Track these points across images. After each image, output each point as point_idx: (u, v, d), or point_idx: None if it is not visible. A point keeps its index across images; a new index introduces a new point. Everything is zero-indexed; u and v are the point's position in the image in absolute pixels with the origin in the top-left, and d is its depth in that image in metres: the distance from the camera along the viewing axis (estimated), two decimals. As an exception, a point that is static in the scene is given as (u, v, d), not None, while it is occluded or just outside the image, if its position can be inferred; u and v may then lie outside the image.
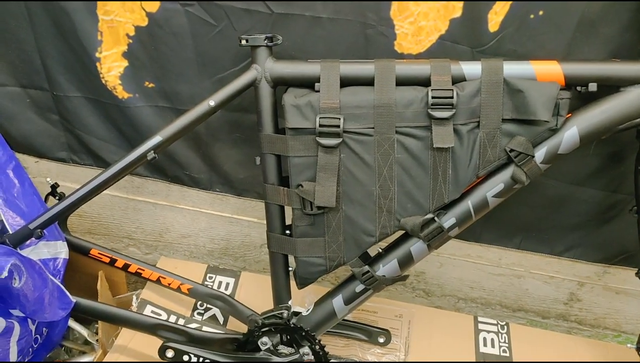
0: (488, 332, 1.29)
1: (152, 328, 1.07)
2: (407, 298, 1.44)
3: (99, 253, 1.19)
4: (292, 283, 1.08)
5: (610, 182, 1.18)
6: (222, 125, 1.20)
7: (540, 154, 0.95)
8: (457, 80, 0.94)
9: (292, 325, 1.05)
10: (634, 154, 1.05)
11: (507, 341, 1.28)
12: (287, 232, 1.05)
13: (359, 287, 1.05)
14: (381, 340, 1.23)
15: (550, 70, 0.93)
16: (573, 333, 1.43)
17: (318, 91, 0.95)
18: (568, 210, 1.23)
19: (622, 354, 1.27)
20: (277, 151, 1.00)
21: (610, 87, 0.94)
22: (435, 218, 0.98)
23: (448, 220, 0.99)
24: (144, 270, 1.19)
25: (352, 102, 0.94)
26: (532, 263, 1.33)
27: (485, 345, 1.26)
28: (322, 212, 0.99)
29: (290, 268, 1.08)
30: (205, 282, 1.33)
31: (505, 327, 1.31)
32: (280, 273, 1.07)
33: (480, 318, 1.32)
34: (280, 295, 1.08)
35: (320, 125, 0.94)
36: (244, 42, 0.96)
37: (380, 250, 1.05)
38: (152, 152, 0.98)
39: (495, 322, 1.32)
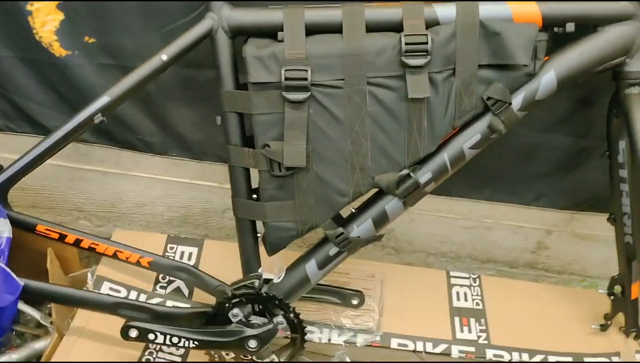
0: (461, 285, 1.27)
1: (111, 307, 0.99)
2: (376, 256, 1.40)
3: (46, 229, 1.08)
4: (262, 249, 1.01)
5: (580, 127, 1.15)
6: (174, 83, 1.10)
7: (517, 100, 0.90)
8: (431, 24, 0.88)
9: (264, 295, 0.99)
10: (606, 97, 1.01)
11: (479, 294, 1.27)
12: (254, 196, 0.98)
13: (333, 250, 0.99)
14: (355, 302, 1.19)
15: (528, 11, 0.88)
16: (540, 281, 1.44)
17: (282, 41, 0.87)
18: (537, 158, 1.20)
19: (589, 299, 1.27)
20: (239, 109, 0.91)
21: (587, 27, 0.90)
22: (411, 173, 0.93)
23: (424, 175, 0.94)
24: (98, 244, 1.10)
25: (320, 52, 0.87)
26: (502, 214, 1.31)
27: (458, 299, 1.25)
28: (291, 173, 0.92)
29: (258, 234, 1.01)
30: (167, 254, 1.24)
31: (477, 279, 1.30)
32: (248, 240, 1.00)
33: (452, 273, 1.30)
34: (250, 263, 1.02)
35: (286, 79, 0.86)
36: (194, -12, 0.87)
37: (354, 210, 0.99)
38: (100, 114, 0.87)
39: (467, 275, 1.30)
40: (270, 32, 0.88)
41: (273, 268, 1.08)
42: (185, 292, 1.19)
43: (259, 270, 1.02)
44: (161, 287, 1.19)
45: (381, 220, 0.98)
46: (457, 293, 1.26)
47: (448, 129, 0.91)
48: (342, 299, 1.19)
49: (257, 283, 0.99)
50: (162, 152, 1.21)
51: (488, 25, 0.87)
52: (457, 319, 1.21)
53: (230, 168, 0.96)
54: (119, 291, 1.16)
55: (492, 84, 0.89)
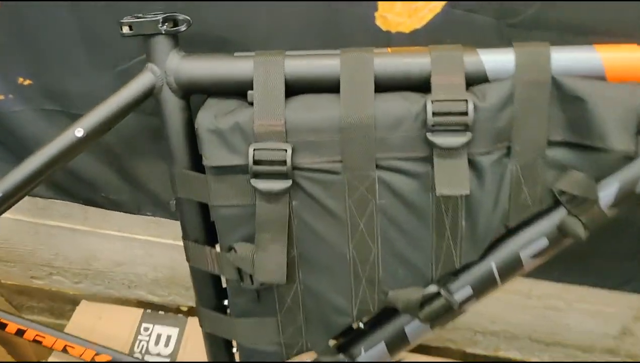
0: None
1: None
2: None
3: (-19, 314, 0.87)
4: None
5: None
6: (137, 134, 0.85)
7: (607, 195, 0.59)
8: (475, 79, 0.58)
9: None
10: None
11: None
12: (226, 302, 0.72)
13: (331, 382, 0.73)
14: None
15: (629, 61, 0.56)
16: (622, 368, 1.12)
17: (251, 104, 0.59)
18: (629, 232, 0.88)
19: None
20: (196, 197, 0.65)
21: None
22: (442, 291, 0.64)
23: (460, 290, 0.65)
24: (44, 337, 0.87)
25: (306, 122, 0.59)
26: (575, 295, 1.00)
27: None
28: (270, 285, 0.66)
29: (234, 349, 0.76)
30: (139, 337, 1.01)
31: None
32: (220, 358, 0.75)
33: None
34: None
35: (256, 162, 0.59)
36: (125, 29, 0.59)
37: (362, 325, 0.72)
38: None
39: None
40: (237, 89, 0.60)
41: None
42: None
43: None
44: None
45: (398, 344, 0.70)
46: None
47: (498, 229, 0.62)
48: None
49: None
50: (133, 211, 0.97)
51: (565, 85, 0.56)
52: None
53: (190, 268, 0.71)
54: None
55: (567, 172, 0.59)
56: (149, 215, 0.98)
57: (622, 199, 0.59)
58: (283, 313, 0.68)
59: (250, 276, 0.64)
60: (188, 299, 1.15)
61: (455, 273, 0.65)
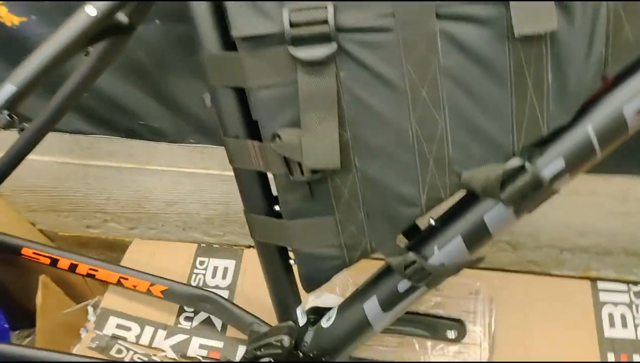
0: (615, 303, 0.86)
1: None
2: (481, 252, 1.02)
3: (33, 252, 0.85)
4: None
5: None
6: (170, 46, 0.78)
7: None
8: None
9: (300, 356, 0.67)
10: None
11: (646, 314, 0.85)
12: (277, 208, 0.64)
13: (403, 285, 0.64)
14: (451, 334, 0.83)
15: None
16: None
17: (282, -41, 0.50)
18: None
19: None
20: (230, 82, 0.57)
21: None
22: (527, 165, 0.54)
23: (551, 163, 0.54)
24: (97, 270, 0.84)
25: (347, -28, 0.50)
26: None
27: (612, 325, 0.84)
28: (324, 176, 0.57)
29: (291, 261, 0.68)
30: (195, 270, 0.96)
31: (642, 289, 0.88)
32: (277, 271, 0.68)
33: (601, 285, 0.88)
34: (284, 302, 0.70)
35: (293, 25, 0.50)
36: None
37: (433, 222, 0.62)
38: (5, 111, 0.57)
39: (624, 287, 0.88)
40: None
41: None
42: (218, 324, 0.90)
43: (297, 311, 0.70)
44: (186, 319, 0.91)
45: (478, 237, 0.60)
46: (610, 315, 0.85)
47: (593, 83, 0.51)
48: (432, 331, 0.84)
49: (286, 341, 0.67)
50: (177, 139, 0.91)
51: None
52: (610, 356, 0.81)
53: (235, 171, 0.64)
54: (129, 328, 0.90)
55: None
56: (192, 143, 0.92)
57: None
58: (341, 209, 0.59)
59: (300, 166, 0.56)
60: (244, 238, 1.08)
61: (543, 144, 0.54)
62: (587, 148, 0.54)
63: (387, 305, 0.66)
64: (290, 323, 0.69)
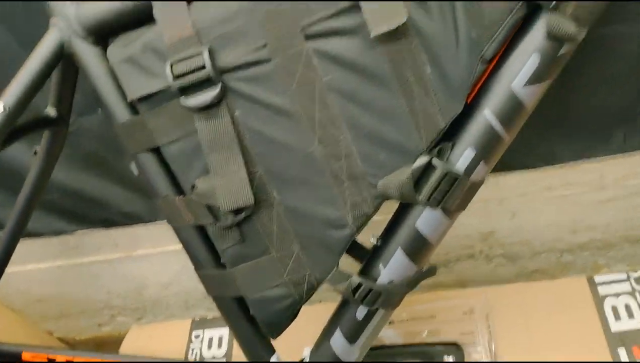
0: (617, 295, 0.81)
1: None
2: (482, 274, 0.99)
3: (32, 356, 0.86)
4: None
5: None
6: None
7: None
8: None
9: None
10: None
11: (653, 300, 0.79)
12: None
13: (360, 312, 0.62)
14: (449, 359, 0.80)
15: None
16: None
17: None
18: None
19: None
20: (144, 145, 0.60)
21: None
22: (434, 160, 0.53)
23: (461, 155, 0.54)
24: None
25: (214, 14, 0.53)
26: (656, 165, 0.83)
27: (617, 318, 0.78)
28: (247, 215, 0.58)
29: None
30: (191, 345, 0.96)
31: (644, 277, 0.82)
32: (238, 322, 0.67)
33: (598, 278, 0.83)
34: (256, 355, 0.69)
35: (176, 77, 0.53)
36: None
37: (375, 241, 0.62)
38: None
39: (622, 276, 0.83)
40: (143, 16, 0.56)
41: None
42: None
43: (272, 359, 0.69)
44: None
45: (418, 247, 0.59)
46: (614, 308, 0.79)
47: (472, 66, 0.51)
48: (429, 360, 0.80)
49: (255, 391, 0.65)
50: (151, 219, 0.94)
51: None
52: (622, 351, 0.75)
53: (175, 231, 0.65)
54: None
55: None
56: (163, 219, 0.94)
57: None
58: (275, 246, 0.60)
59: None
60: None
61: (447, 138, 0.54)
62: (491, 132, 0.53)
63: (351, 336, 0.64)
64: (260, 372, 0.67)
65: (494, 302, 0.84)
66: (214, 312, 1.10)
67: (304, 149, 0.55)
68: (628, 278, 0.81)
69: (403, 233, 0.59)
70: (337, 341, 0.64)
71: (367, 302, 0.60)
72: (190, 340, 0.97)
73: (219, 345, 0.94)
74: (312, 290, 0.62)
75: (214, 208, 0.58)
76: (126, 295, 1.10)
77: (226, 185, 0.56)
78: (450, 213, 0.57)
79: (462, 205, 0.57)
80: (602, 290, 0.81)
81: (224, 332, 0.97)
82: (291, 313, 0.63)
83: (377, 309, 0.62)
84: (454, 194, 0.55)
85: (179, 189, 0.61)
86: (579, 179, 0.84)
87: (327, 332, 0.66)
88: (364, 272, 0.61)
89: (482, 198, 0.58)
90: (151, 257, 1.02)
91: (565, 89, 0.73)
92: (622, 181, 0.84)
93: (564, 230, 0.92)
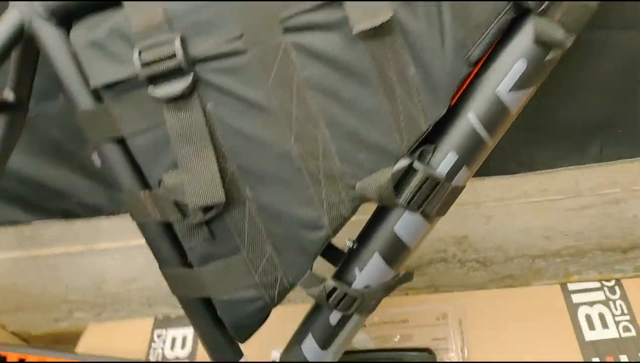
0: (591, 303, 0.80)
1: None
2: (455, 278, 0.97)
3: (-19, 353, 0.82)
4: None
5: None
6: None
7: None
8: None
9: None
10: None
11: (625, 310, 0.79)
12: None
13: (334, 317, 0.60)
14: (420, 366, 0.78)
15: None
16: None
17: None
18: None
19: None
20: (107, 134, 0.56)
21: None
22: (416, 163, 0.51)
23: (443, 159, 0.52)
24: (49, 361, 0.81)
25: (188, 2, 0.50)
26: (631, 176, 0.82)
27: (591, 327, 0.78)
28: (218, 213, 0.55)
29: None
30: (153, 345, 0.92)
31: (616, 286, 0.82)
32: (205, 325, 0.64)
33: (571, 286, 0.83)
34: (220, 357, 0.66)
35: (144, 64, 0.50)
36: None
37: (351, 244, 0.59)
38: None
39: (596, 284, 0.82)
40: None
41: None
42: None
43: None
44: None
45: (395, 251, 0.56)
46: (588, 317, 0.79)
47: (458, 69, 0.49)
48: (400, 366, 0.79)
49: (219, 398, 0.62)
50: (114, 211, 0.90)
51: None
52: (596, 361, 0.75)
53: (139, 227, 0.62)
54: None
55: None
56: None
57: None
58: (247, 245, 0.57)
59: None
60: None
61: (428, 140, 0.52)
62: (475, 136, 0.51)
63: (324, 342, 0.61)
64: (221, 378, 0.64)
65: (467, 307, 0.83)
66: (178, 311, 1.06)
67: (279, 145, 0.52)
68: (602, 287, 0.81)
69: (380, 237, 0.56)
70: (309, 346, 0.62)
71: (341, 307, 0.58)
72: (152, 340, 0.93)
73: (183, 346, 0.91)
74: (284, 292, 0.59)
75: (182, 204, 0.55)
76: (85, 290, 1.05)
77: (196, 180, 0.52)
78: (431, 218, 0.55)
79: (443, 210, 0.55)
80: (575, 298, 0.80)
81: (188, 332, 0.93)
82: (261, 316, 0.61)
83: (351, 314, 0.59)
84: (434, 199, 0.53)
85: (144, 183, 0.58)
86: (555, 186, 0.84)
87: (298, 336, 0.63)
88: (338, 276, 0.59)
89: (458, 203, 0.55)
90: (113, 251, 0.98)
91: (545, 96, 0.72)
92: (597, 190, 0.84)
93: (538, 236, 0.91)
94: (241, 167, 0.54)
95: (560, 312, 0.80)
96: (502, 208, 0.87)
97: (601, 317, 0.78)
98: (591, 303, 0.79)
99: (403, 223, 0.55)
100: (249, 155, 0.53)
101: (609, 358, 0.74)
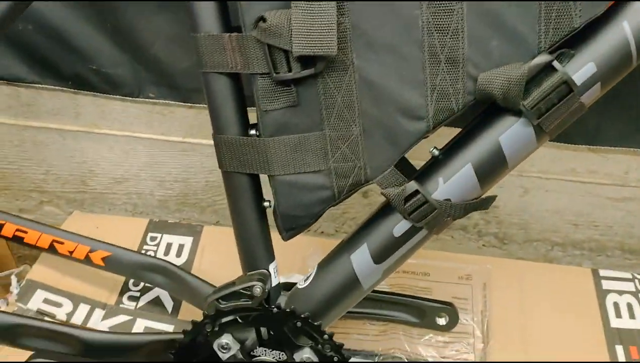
0: (620, 292, 0.77)
1: (6, 332, 0.57)
2: (468, 249, 0.93)
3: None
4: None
5: None
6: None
7: None
8: None
9: (273, 310, 0.55)
10: None
11: (654, 303, 0.76)
12: (253, 132, 0.54)
13: (401, 227, 0.53)
14: (441, 321, 0.72)
15: None
16: None
17: None
18: None
19: None
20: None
21: None
22: (556, 63, 0.46)
23: (582, 68, 0.46)
24: (26, 231, 0.70)
25: None
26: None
27: (618, 315, 0.75)
28: (312, 74, 0.47)
29: (266, 203, 0.57)
30: (145, 246, 0.82)
31: (648, 278, 0.79)
32: (246, 213, 0.56)
33: (602, 272, 0.80)
34: (253, 257, 0.57)
35: None
36: None
37: (436, 152, 0.53)
38: None
39: (629, 275, 0.80)
40: None
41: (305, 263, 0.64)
42: (169, 305, 0.76)
43: (270, 267, 0.58)
44: (131, 298, 0.77)
45: (492, 165, 0.51)
46: (616, 305, 0.76)
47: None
48: (420, 316, 0.73)
49: (259, 288, 0.54)
50: (134, 92, 0.79)
51: None
52: (619, 349, 0.71)
53: (204, 77, 0.53)
54: (59, 304, 0.75)
55: None
56: (151, 98, 0.81)
57: None
58: (332, 121, 0.49)
59: (286, 56, 0.46)
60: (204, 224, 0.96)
61: (572, 45, 0.47)
62: (623, 50, 0.46)
63: (380, 255, 0.55)
64: (263, 270, 0.56)
65: (494, 272, 0.78)
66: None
67: (408, 8, 0.46)
68: (633, 279, 0.78)
69: (480, 146, 0.50)
70: (360, 257, 0.55)
71: (415, 216, 0.51)
72: (144, 242, 0.83)
73: (179, 254, 0.81)
74: (355, 187, 0.52)
75: (276, 54, 0.47)
76: (67, 180, 0.93)
77: (308, 22, 0.45)
78: (541, 136, 0.49)
79: (557, 129, 0.50)
80: (605, 284, 0.77)
81: (186, 240, 0.83)
82: (319, 211, 0.53)
83: (420, 229, 0.53)
84: (558, 111, 0.47)
85: (227, 26, 0.50)
86: (604, 170, 0.81)
87: (350, 244, 0.56)
88: (417, 181, 0.52)
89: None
90: (115, 139, 0.87)
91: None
92: (644, 183, 0.81)
93: (567, 221, 0.88)
94: (356, 27, 0.46)
95: (589, 294, 0.76)
96: (542, 182, 0.84)
97: (629, 307, 0.75)
98: (620, 292, 0.77)
99: (512, 133, 0.49)
100: (369, 12, 0.46)
101: (634, 349, 0.71)
